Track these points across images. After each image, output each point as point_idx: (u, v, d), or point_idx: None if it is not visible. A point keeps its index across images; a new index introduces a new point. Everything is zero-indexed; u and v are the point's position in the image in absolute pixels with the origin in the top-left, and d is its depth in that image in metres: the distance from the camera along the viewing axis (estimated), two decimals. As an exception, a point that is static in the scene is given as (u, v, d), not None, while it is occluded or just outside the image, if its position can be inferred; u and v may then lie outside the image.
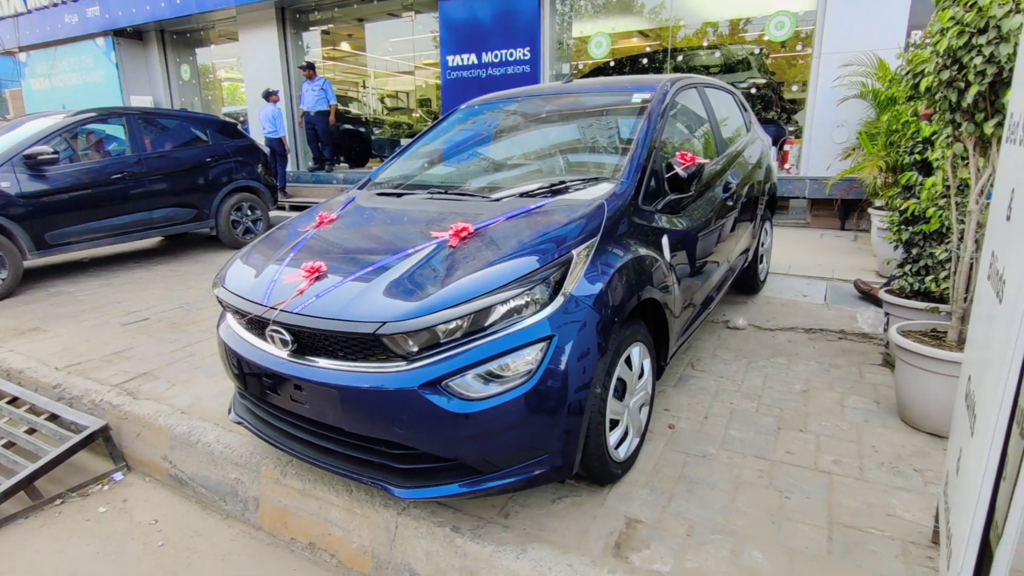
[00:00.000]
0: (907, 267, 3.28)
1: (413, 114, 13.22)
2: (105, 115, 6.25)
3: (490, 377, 1.77)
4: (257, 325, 2.05)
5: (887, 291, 3.41)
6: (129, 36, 11.72)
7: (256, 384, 2.11)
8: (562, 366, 1.82)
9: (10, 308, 4.92)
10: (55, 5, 11.78)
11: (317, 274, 2.01)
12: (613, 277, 2.04)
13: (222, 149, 6.99)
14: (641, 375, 2.33)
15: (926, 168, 3.24)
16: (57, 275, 6.05)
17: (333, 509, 2.26)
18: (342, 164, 11.19)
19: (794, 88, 7.95)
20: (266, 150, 7.99)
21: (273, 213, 7.81)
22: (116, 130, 6.37)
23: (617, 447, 2.21)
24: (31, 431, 2.99)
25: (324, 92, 9.30)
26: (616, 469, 2.20)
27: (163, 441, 2.81)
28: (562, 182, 2.42)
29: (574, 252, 1.98)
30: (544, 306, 1.85)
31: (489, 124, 3.27)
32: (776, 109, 8.22)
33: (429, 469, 1.86)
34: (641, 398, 2.35)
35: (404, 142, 12.51)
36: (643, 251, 2.28)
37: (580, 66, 8.51)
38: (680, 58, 8.38)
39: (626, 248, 2.20)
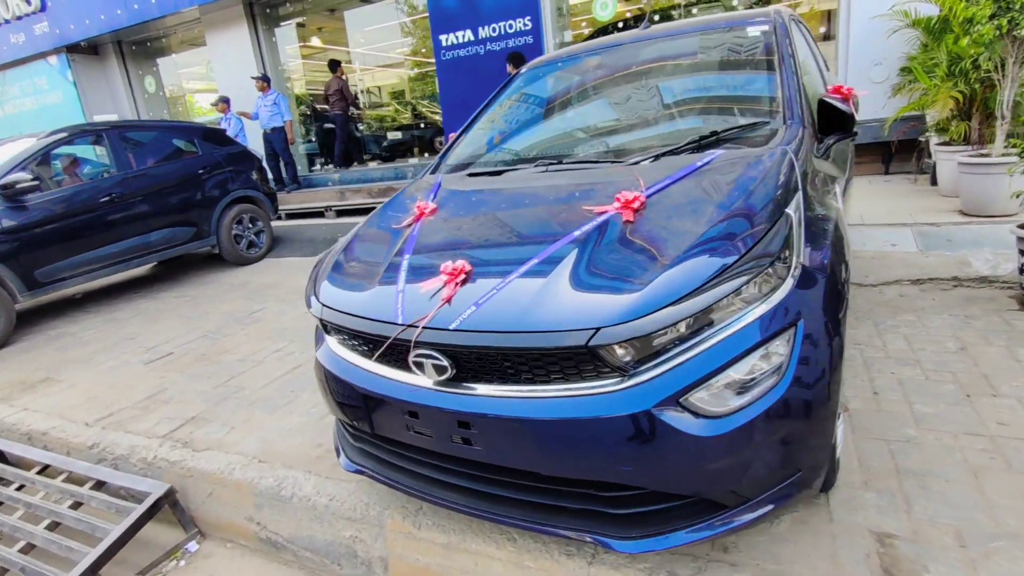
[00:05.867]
0: (1047, 198, 2.93)
1: (411, 105, 12.57)
2: (81, 133, 5.60)
3: (734, 384, 1.34)
4: (390, 350, 1.59)
5: (1021, 227, 3.06)
6: (84, 51, 10.85)
7: (389, 424, 1.66)
8: (813, 357, 1.41)
9: (10, 359, 4.34)
10: (-3, 25, 10.86)
11: (463, 275, 1.55)
12: (830, 238, 1.63)
13: (213, 158, 6.39)
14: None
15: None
16: (53, 316, 5.45)
17: (494, 565, 1.82)
18: (327, 165, 10.54)
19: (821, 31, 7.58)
20: (259, 154, 7.37)
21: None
22: (95, 149, 5.74)
23: (831, 444, 1.80)
24: (77, 505, 2.49)
25: (278, 107, 8.52)
26: (832, 471, 1.80)
27: (246, 499, 2.34)
28: (714, 133, 1.99)
29: (789, 212, 1.55)
30: (778, 284, 1.42)
31: (568, 84, 2.81)
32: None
33: (654, 511, 1.43)
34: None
35: (390, 136, 11.96)
36: (833, 204, 1.87)
37: (585, 31, 8.02)
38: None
39: (819, 203, 1.78)
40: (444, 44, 7.83)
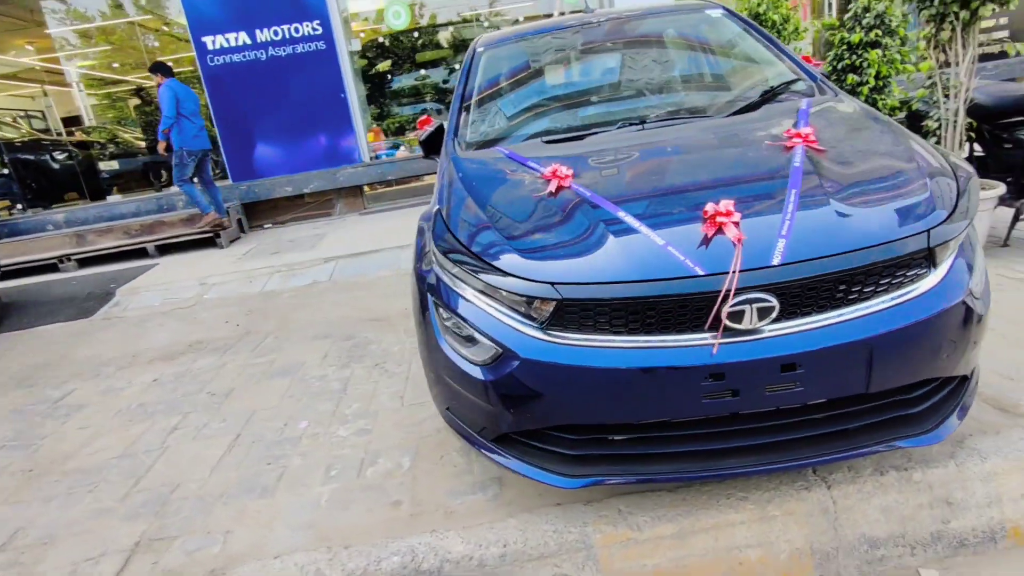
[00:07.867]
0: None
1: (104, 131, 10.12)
2: None
3: (975, 269, 1.58)
4: (682, 308, 1.38)
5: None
6: None
7: (670, 402, 1.43)
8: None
9: None
10: None
11: (738, 215, 1.44)
12: None
13: None
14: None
15: (852, 70, 3.95)
16: None
17: (737, 531, 1.72)
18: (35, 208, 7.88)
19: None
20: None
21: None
22: None
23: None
24: None
25: None
26: None
27: (360, 599, 1.68)
28: (771, 88, 2.24)
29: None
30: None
31: (552, 59, 2.74)
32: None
33: (939, 400, 1.57)
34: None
35: (104, 166, 9.50)
36: None
37: (382, 40, 7.65)
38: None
39: None
40: (210, 48, 6.62)
